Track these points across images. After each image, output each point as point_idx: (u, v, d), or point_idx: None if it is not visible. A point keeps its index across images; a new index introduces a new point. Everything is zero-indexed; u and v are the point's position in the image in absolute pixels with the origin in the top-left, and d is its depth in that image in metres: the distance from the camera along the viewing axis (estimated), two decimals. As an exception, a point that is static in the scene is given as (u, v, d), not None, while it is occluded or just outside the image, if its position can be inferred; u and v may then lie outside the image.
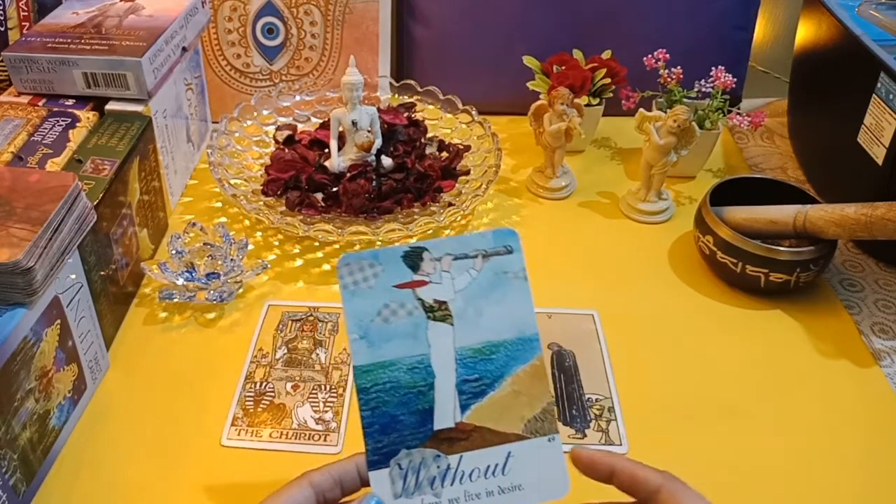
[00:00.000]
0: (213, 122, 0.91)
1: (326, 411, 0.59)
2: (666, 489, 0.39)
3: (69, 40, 0.71)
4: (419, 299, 0.41)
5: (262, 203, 0.74)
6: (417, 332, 0.41)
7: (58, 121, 0.67)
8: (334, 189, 0.76)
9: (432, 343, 0.41)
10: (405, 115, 0.86)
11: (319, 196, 0.76)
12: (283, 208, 0.75)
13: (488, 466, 0.41)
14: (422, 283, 0.41)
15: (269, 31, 0.92)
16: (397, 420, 0.40)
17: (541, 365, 0.42)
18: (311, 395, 0.60)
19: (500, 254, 0.42)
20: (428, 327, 0.41)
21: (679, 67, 0.83)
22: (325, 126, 0.84)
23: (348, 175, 0.76)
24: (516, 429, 0.41)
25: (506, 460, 0.41)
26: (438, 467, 0.40)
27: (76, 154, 0.64)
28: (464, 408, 0.41)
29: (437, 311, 0.41)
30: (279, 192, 0.77)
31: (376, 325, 0.41)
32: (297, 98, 0.89)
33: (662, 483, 0.39)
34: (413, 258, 0.42)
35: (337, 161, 0.78)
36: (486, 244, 0.42)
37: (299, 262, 0.74)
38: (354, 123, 0.77)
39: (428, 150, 0.84)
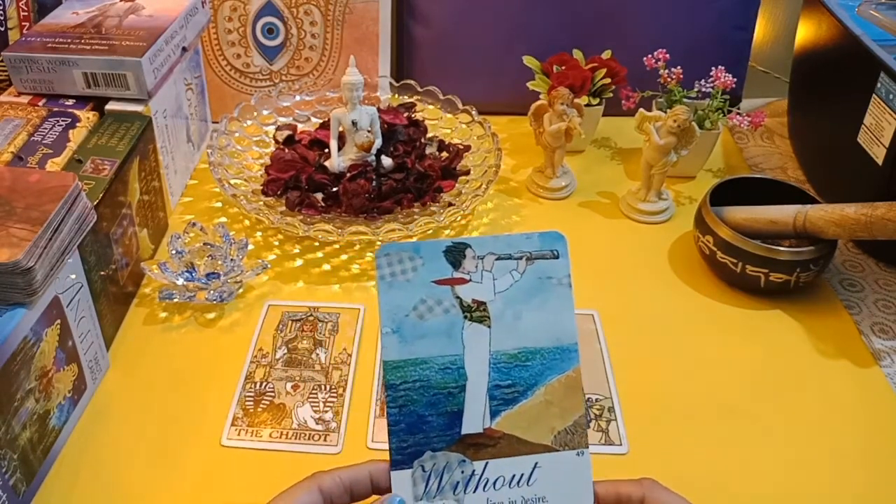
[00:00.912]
0: (213, 122, 0.91)
1: (326, 411, 0.59)
2: (648, 499, 0.39)
3: (69, 40, 0.71)
4: (457, 297, 0.40)
5: (262, 203, 0.74)
6: (452, 332, 0.39)
7: (58, 121, 0.67)
8: (334, 189, 0.76)
9: (467, 344, 0.40)
10: (405, 115, 0.86)
11: (319, 196, 0.76)
12: (283, 208, 0.75)
13: (514, 476, 0.39)
14: (462, 281, 0.40)
15: (269, 31, 0.92)
16: (424, 420, 0.39)
17: (577, 377, 0.40)
18: (311, 395, 0.60)
19: (545, 258, 0.40)
20: (464, 327, 0.40)
21: (679, 67, 0.83)
22: (325, 126, 0.84)
23: (348, 175, 0.76)
24: (545, 440, 0.40)
25: (532, 471, 0.40)
26: (463, 472, 0.39)
27: (76, 154, 0.64)
28: (494, 414, 0.40)
29: (475, 312, 0.40)
30: (279, 192, 0.77)
31: (410, 321, 0.39)
32: (297, 98, 0.89)
33: (644, 493, 0.39)
34: (455, 254, 0.40)
35: (337, 161, 0.78)
36: (532, 246, 0.40)
37: (299, 262, 0.74)
38: (354, 123, 0.77)
39: (428, 150, 0.84)
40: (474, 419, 0.39)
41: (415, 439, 0.39)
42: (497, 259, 0.40)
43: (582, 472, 0.40)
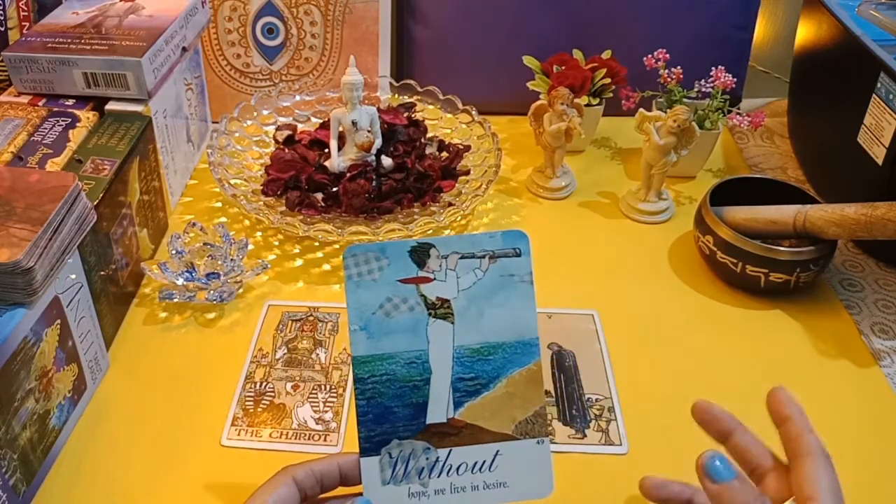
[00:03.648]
0: (213, 122, 0.91)
1: (326, 411, 0.59)
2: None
3: (69, 40, 0.71)
4: (422, 295, 0.42)
5: (262, 203, 0.74)
6: (417, 328, 0.42)
7: (58, 121, 0.67)
8: (334, 189, 0.76)
9: (431, 340, 0.42)
10: (405, 115, 0.86)
11: (319, 196, 0.76)
12: (283, 208, 0.75)
13: (476, 462, 0.42)
14: (426, 280, 0.42)
15: (269, 31, 0.92)
16: (391, 411, 0.41)
17: (538, 370, 0.42)
18: (311, 395, 0.60)
19: (508, 256, 0.42)
20: (428, 324, 0.42)
21: (679, 67, 0.83)
22: (325, 126, 0.84)
23: (348, 175, 0.76)
24: (507, 429, 0.42)
25: (493, 458, 0.42)
26: (427, 459, 0.41)
27: (76, 154, 0.64)
28: (457, 405, 0.42)
29: (439, 309, 0.42)
30: (279, 192, 0.77)
31: (377, 318, 0.41)
32: (297, 98, 0.89)
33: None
34: (420, 254, 0.42)
35: (337, 161, 0.78)
36: (495, 245, 0.42)
37: (299, 262, 0.74)
38: (354, 123, 0.77)
39: (428, 150, 0.84)
40: (438, 410, 0.42)
41: (382, 429, 0.41)
42: (461, 258, 0.42)
43: (542, 459, 0.42)
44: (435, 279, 0.42)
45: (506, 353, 0.42)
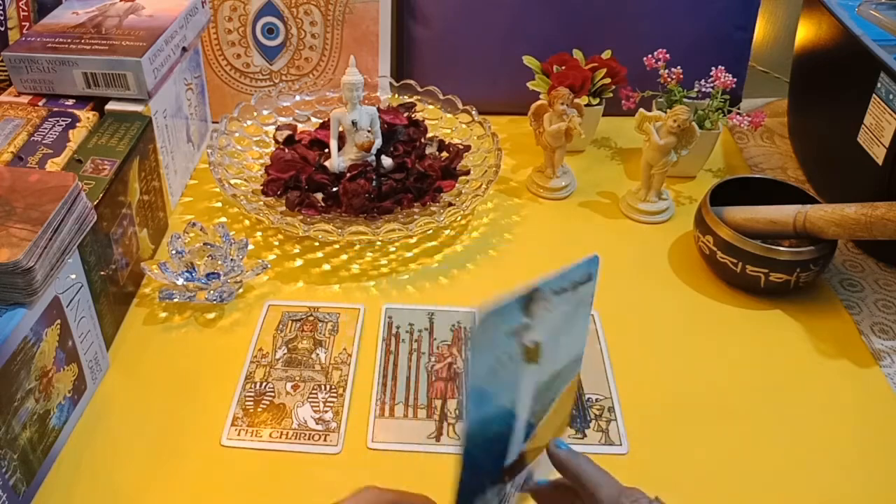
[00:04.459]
0: (213, 122, 0.91)
1: (326, 411, 0.59)
2: None
3: (69, 40, 0.71)
4: (522, 344, 0.36)
5: (262, 203, 0.74)
6: (514, 380, 0.36)
7: (58, 121, 0.67)
8: (334, 189, 0.76)
9: (520, 387, 0.37)
10: (405, 115, 0.86)
11: (319, 196, 0.76)
12: (283, 208, 0.75)
13: (524, 475, 0.41)
14: (528, 328, 0.35)
15: (269, 31, 0.92)
16: (478, 463, 0.36)
17: (577, 380, 0.41)
18: (311, 395, 0.60)
19: (583, 283, 0.38)
20: (520, 373, 0.36)
21: (679, 67, 0.83)
22: (325, 126, 0.84)
23: (348, 175, 0.76)
24: (548, 439, 0.41)
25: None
26: (499, 496, 0.39)
27: (76, 154, 0.64)
28: (526, 437, 0.39)
29: (531, 353, 0.36)
30: (279, 192, 0.77)
31: (488, 380, 0.35)
32: (297, 98, 0.89)
33: None
34: (528, 303, 0.35)
35: (337, 161, 0.78)
36: (579, 275, 0.38)
37: (299, 262, 0.74)
38: (354, 123, 0.77)
39: (428, 150, 0.84)
40: (515, 449, 0.38)
41: (472, 485, 0.36)
42: (555, 294, 0.37)
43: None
44: (534, 324, 0.36)
45: (562, 374, 0.39)
